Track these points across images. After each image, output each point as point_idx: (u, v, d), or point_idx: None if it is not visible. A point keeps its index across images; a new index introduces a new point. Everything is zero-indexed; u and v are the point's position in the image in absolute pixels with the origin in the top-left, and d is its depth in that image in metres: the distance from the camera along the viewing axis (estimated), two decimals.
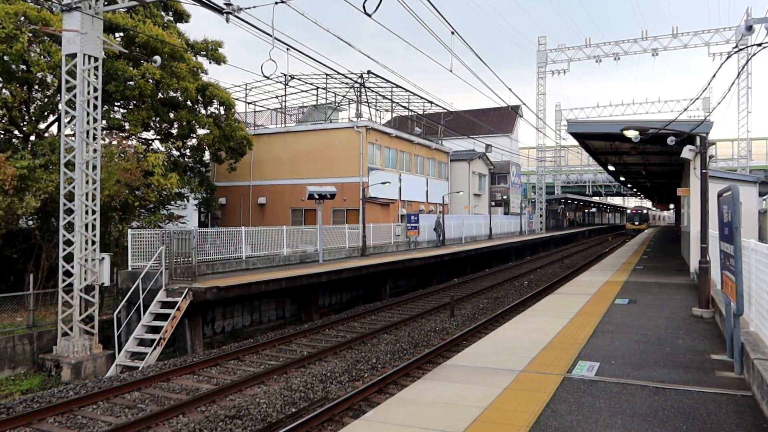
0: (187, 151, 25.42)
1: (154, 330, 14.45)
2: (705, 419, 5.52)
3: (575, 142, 25.50)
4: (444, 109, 41.46)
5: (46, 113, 20.22)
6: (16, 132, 20.33)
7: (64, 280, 14.61)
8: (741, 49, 33.32)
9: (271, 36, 12.75)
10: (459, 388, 6.48)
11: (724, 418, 5.55)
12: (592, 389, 6.46)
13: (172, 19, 24.06)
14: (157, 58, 17.36)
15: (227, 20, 12.45)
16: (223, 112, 25.43)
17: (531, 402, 6.02)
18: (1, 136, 20.03)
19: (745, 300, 7.24)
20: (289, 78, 34.07)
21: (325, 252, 23.44)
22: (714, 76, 12.47)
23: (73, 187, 14.70)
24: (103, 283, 15.22)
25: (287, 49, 13.46)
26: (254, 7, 12.90)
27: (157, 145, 24.66)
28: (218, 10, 12.36)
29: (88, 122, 14.86)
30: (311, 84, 34.93)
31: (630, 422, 5.43)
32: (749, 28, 11.63)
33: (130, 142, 22.00)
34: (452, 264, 30.70)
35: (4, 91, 19.25)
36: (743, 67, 26.76)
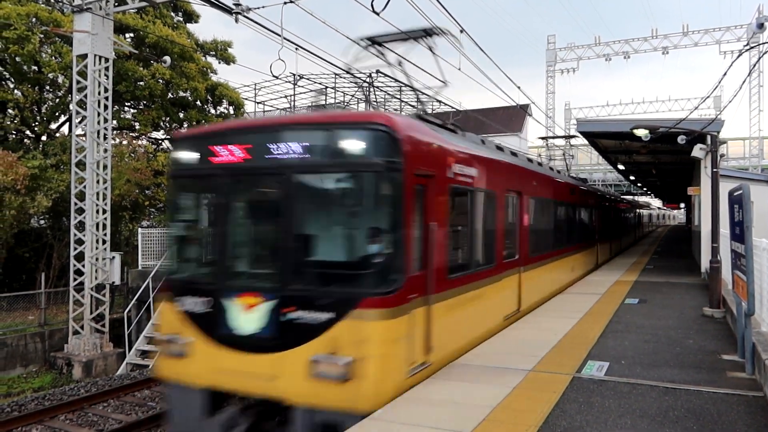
0: None
1: None
2: (716, 420, 5.48)
3: (585, 141, 25.36)
4: (453, 108, 41.37)
5: (57, 113, 20.39)
6: (28, 132, 20.51)
7: (75, 279, 14.73)
8: (752, 47, 32.97)
9: (279, 36, 12.79)
10: (468, 388, 6.47)
11: (735, 418, 5.51)
12: (601, 389, 6.43)
13: (181, 19, 24.19)
14: (167, 58, 17.47)
15: (236, 20, 12.50)
16: (232, 112, 25.53)
17: (540, 402, 6.00)
18: (13, 136, 20.21)
19: (757, 300, 7.18)
20: (298, 77, 34.12)
21: None
22: (725, 74, 12.39)
23: (84, 187, 14.81)
24: (113, 282, 15.33)
25: (296, 48, 13.49)
26: (263, 7, 12.94)
27: (167, 144, 24.80)
28: (227, 10, 12.41)
29: (98, 122, 14.97)
30: (320, 83, 34.96)
31: (640, 422, 5.40)
32: (761, 26, 11.55)
33: (140, 142, 22.16)
34: None
35: (16, 91, 19.43)
36: (755, 65, 26.53)
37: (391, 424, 5.40)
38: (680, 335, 9.31)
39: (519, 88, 22.37)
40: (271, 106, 40.09)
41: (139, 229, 17.39)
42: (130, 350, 14.52)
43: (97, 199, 14.85)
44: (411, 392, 6.31)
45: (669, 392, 6.31)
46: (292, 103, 37.80)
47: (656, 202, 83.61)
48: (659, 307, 12.02)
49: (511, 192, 10.32)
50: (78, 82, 14.91)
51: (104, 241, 14.97)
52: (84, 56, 14.69)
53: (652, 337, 9.13)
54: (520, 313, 10.78)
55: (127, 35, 21.54)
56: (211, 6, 12.65)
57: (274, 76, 13.27)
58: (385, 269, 5.94)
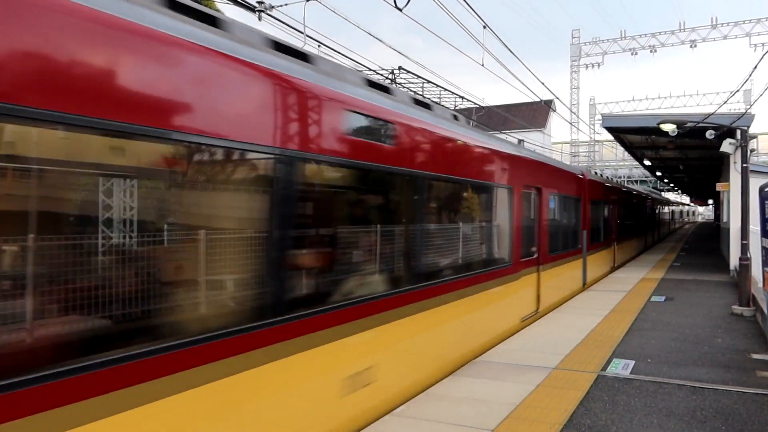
0: None
1: None
2: (745, 420, 5.38)
3: (610, 137, 25.03)
4: (475, 104, 41.13)
5: None
6: None
7: None
8: None
9: (302, 33, 12.84)
10: (491, 385, 6.45)
11: (765, 419, 5.40)
12: (627, 388, 6.36)
13: None
14: None
15: (260, 18, 12.57)
16: None
17: (564, 399, 5.96)
18: None
19: None
20: None
21: None
22: (755, 67, 12.06)
23: None
24: None
25: (318, 45, 13.52)
26: (286, 4, 13.01)
27: None
28: (251, 8, 12.48)
29: None
30: None
31: (666, 422, 5.33)
32: None
33: None
34: None
35: None
36: None
37: (415, 420, 5.41)
38: (708, 333, 9.16)
39: (543, 84, 22.15)
40: None
41: None
42: None
43: None
44: (433, 388, 6.32)
45: (697, 391, 6.22)
46: None
47: (684, 198, 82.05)
48: (687, 305, 11.84)
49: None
50: None
51: None
52: None
53: (679, 336, 9.00)
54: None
55: None
56: (235, 4, 12.74)
57: None
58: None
